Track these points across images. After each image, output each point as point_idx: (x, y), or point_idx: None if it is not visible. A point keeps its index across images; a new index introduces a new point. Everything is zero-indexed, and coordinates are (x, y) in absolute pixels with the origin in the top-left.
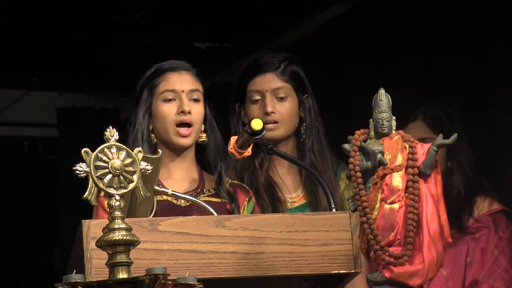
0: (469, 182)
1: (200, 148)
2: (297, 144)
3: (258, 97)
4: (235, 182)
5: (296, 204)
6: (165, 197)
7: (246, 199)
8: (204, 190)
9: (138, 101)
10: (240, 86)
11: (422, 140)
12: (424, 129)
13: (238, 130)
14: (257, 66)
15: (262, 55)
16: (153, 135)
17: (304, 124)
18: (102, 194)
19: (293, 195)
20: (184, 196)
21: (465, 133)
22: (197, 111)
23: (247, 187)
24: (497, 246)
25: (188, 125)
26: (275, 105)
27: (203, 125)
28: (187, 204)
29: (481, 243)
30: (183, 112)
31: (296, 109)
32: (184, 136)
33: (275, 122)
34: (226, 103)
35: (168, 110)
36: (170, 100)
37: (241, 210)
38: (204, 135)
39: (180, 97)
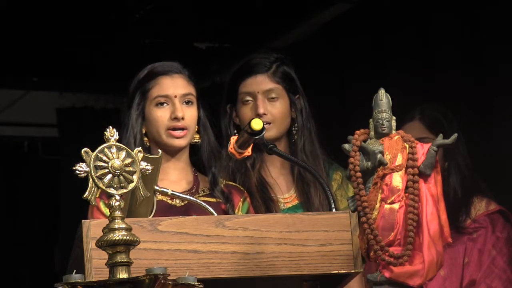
0: (466, 182)
1: (194, 150)
2: (289, 144)
3: (249, 99)
4: (230, 183)
5: (289, 205)
6: (160, 197)
7: (241, 199)
8: (199, 191)
9: (131, 104)
10: (231, 87)
11: (420, 140)
12: (422, 129)
13: (230, 131)
14: (248, 67)
15: (253, 56)
16: (146, 139)
17: (296, 124)
18: (97, 195)
19: (286, 196)
20: (184, 196)
21: (461, 133)
22: (190, 114)
23: (242, 188)
24: (494, 246)
25: (181, 129)
26: (267, 106)
27: (196, 127)
28: (183, 204)
29: (478, 244)
30: (176, 118)
31: (288, 110)
32: (177, 137)
33: (268, 123)
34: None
35: (161, 115)
36: (162, 104)
37: (236, 211)
38: (197, 136)
39: (173, 102)
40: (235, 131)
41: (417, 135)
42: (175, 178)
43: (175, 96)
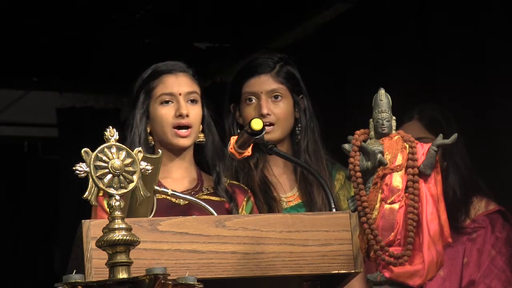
0: (465, 182)
1: (198, 149)
2: (292, 145)
3: (253, 99)
4: (234, 182)
5: (292, 204)
6: (163, 195)
7: (245, 199)
8: (203, 189)
9: (135, 104)
10: (235, 87)
11: (418, 140)
12: (420, 129)
13: (233, 130)
14: (252, 67)
15: (257, 56)
16: (150, 138)
17: (299, 125)
18: (101, 194)
19: (289, 195)
20: (184, 196)
21: (461, 133)
22: (194, 112)
23: (246, 188)
24: (493, 246)
25: (186, 127)
26: (271, 106)
27: (201, 126)
28: (186, 202)
29: (477, 244)
30: (180, 115)
31: (291, 110)
32: (182, 137)
33: (271, 124)
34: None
35: (166, 113)
36: (167, 102)
37: (240, 210)
38: (202, 135)
39: (178, 99)
40: (239, 131)
41: (415, 135)
42: (179, 177)
43: (180, 94)
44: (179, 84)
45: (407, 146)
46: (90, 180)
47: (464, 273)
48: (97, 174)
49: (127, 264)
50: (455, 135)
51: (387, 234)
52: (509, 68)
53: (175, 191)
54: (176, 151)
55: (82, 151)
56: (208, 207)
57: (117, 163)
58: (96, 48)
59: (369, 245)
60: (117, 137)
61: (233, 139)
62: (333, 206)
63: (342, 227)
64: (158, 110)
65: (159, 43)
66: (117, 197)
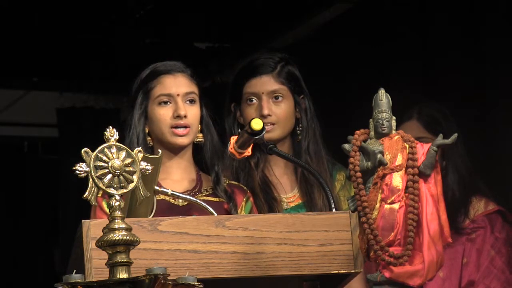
0: (464, 182)
1: (197, 149)
2: (293, 145)
3: (254, 99)
4: (233, 182)
5: (292, 204)
6: (163, 196)
7: (244, 199)
8: (202, 190)
9: (134, 104)
10: (235, 87)
11: (418, 140)
12: (419, 128)
13: (234, 130)
14: (253, 68)
15: (257, 55)
16: (149, 138)
17: (300, 125)
18: (100, 194)
19: (289, 195)
20: (184, 196)
21: (460, 133)
22: (193, 113)
23: (245, 188)
24: (493, 246)
25: (184, 127)
26: (272, 107)
27: (199, 125)
28: (185, 203)
29: (477, 244)
30: (178, 116)
31: (292, 110)
32: (180, 136)
33: (272, 124)
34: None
35: (164, 114)
36: (165, 103)
37: (239, 210)
38: (200, 135)
39: (176, 100)
40: (239, 131)
41: (414, 135)
42: (178, 178)
43: (178, 95)
44: (177, 85)
45: (407, 146)
46: (90, 180)
47: (464, 273)
48: (97, 174)
49: (127, 264)
50: (455, 135)
51: (387, 234)
52: (509, 68)
53: (175, 191)
54: (175, 151)
55: (82, 151)
56: (208, 207)
57: (117, 163)
58: (96, 48)
59: (369, 245)
60: (117, 137)
61: (233, 139)
62: (333, 206)
63: (342, 227)
64: (156, 110)
65: (159, 43)
66: (117, 197)
